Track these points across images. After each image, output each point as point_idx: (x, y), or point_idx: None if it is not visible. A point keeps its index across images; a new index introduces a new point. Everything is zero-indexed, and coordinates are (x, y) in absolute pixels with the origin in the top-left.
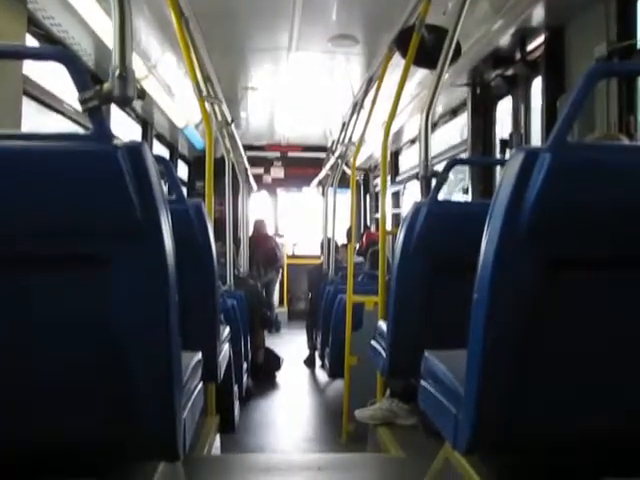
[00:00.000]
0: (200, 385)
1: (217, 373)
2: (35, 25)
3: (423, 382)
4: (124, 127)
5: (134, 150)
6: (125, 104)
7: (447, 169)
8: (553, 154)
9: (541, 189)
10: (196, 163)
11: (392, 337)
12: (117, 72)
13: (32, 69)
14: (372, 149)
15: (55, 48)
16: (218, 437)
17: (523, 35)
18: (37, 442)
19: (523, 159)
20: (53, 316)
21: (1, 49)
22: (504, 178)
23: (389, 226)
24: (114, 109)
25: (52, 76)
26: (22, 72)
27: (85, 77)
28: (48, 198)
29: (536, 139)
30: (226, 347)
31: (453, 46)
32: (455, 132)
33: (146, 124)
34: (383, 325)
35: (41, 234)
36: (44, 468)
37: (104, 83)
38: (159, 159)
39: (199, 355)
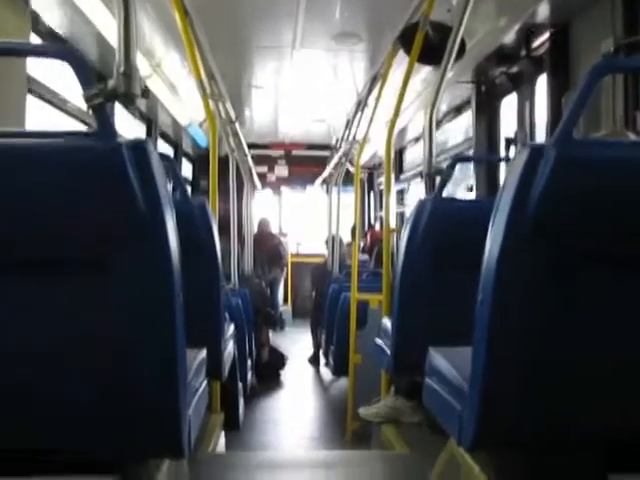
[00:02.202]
0: (205, 382)
1: (222, 370)
2: (39, 23)
3: (427, 379)
4: (128, 126)
5: (138, 147)
6: (130, 102)
7: (451, 166)
8: (558, 150)
9: (546, 185)
10: (200, 161)
11: (396, 335)
12: (122, 69)
13: (36, 67)
14: (376, 147)
15: (59, 46)
16: (223, 435)
17: (528, 32)
18: (40, 440)
19: (528, 155)
20: (58, 315)
21: (6, 47)
22: (509, 175)
23: (393, 224)
24: (119, 108)
25: (57, 74)
26: (26, 70)
27: (89, 75)
28: (52, 196)
29: (541, 136)
30: (230, 345)
31: (458, 43)
32: (460, 130)
33: (150, 122)
34: (387, 323)
35: (45, 233)
36: (48, 466)
37: (108, 81)
38: (163, 157)
39: (204, 352)
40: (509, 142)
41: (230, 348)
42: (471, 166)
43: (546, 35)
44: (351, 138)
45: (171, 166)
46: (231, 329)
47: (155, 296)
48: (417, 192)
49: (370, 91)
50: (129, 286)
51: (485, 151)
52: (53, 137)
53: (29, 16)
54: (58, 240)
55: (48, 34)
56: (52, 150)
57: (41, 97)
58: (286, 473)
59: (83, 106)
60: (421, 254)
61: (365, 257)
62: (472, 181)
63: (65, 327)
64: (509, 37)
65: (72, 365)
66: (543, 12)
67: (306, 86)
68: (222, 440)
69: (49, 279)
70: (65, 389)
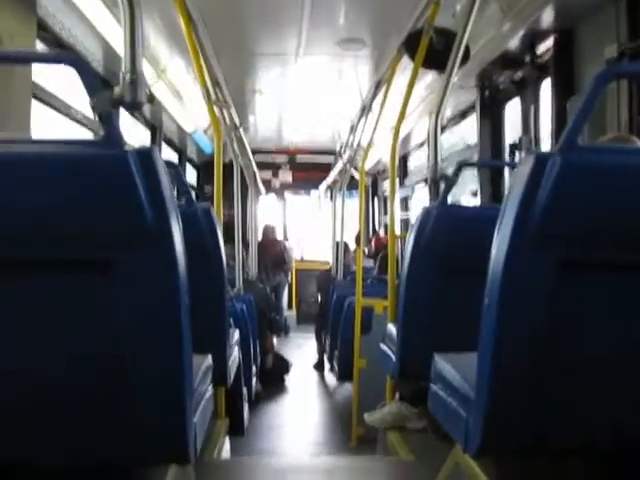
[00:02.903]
0: (210, 389)
1: (227, 377)
2: (44, 30)
3: (433, 385)
4: (133, 131)
5: (145, 155)
6: (136, 109)
7: (456, 172)
8: (563, 157)
9: (551, 192)
10: (205, 167)
11: (402, 340)
12: (128, 77)
13: (41, 74)
14: (381, 153)
15: (66, 53)
16: (227, 440)
17: (532, 37)
18: (48, 445)
19: (534, 163)
20: (64, 320)
21: (14, 54)
22: (515, 182)
23: (398, 230)
24: (123, 114)
25: (62, 81)
26: (31, 77)
27: (96, 82)
28: (60, 204)
29: (546, 142)
30: (236, 351)
31: (462, 48)
32: (464, 135)
33: (155, 129)
34: (392, 328)
35: (52, 240)
36: (55, 472)
37: (114, 88)
38: (168, 164)
39: (209, 359)
40: (514, 147)
41: (235, 354)
42: (475, 171)
43: (550, 41)
44: (355, 144)
45: (176, 172)
46: (236, 335)
47: (162, 302)
48: (422, 198)
49: (374, 96)
50: (136, 292)
51: (489, 156)
52: (61, 145)
53: (35, 23)
54: (65, 245)
55: (53, 41)
56: (59, 158)
57: (46, 104)
58: (291, 479)
59: (88, 113)
60: (426, 260)
61: (371, 263)
62: (476, 186)
63: (71, 332)
64: (513, 42)
65: (77, 370)
66: (547, 18)
67: (310, 92)
68: (227, 446)
69: (55, 284)
70: (69, 394)
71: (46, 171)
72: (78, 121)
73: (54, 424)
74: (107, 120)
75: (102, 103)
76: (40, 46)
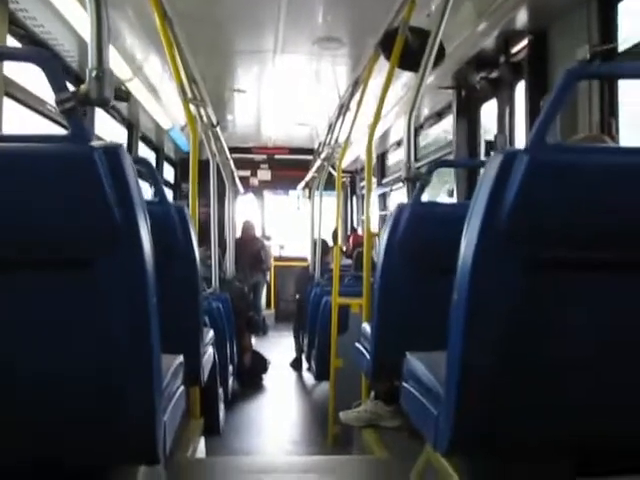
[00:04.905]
0: (181, 388)
1: (200, 376)
2: (17, 26)
3: (405, 384)
4: (112, 129)
5: (111, 152)
6: (102, 105)
7: (430, 171)
8: (531, 155)
9: (519, 190)
10: (183, 165)
11: (376, 339)
12: (94, 73)
13: (15, 71)
14: (359, 151)
15: (30, 49)
16: (202, 440)
17: (507, 38)
18: (13, 447)
19: (502, 160)
20: (30, 321)
21: None
22: (483, 180)
23: (375, 228)
24: (101, 111)
25: (36, 77)
26: (2, 73)
27: (61, 78)
28: (24, 200)
29: (521, 141)
30: (210, 350)
31: (436, 48)
32: (442, 134)
33: (131, 126)
34: (367, 327)
35: (16, 237)
36: (21, 473)
37: (82, 84)
38: (141, 161)
39: (180, 358)
40: (490, 146)
41: (210, 353)
42: (452, 170)
43: (525, 41)
44: (333, 142)
45: (150, 170)
46: (210, 334)
47: (129, 302)
48: (399, 196)
49: (352, 95)
50: (102, 291)
51: (466, 155)
52: (26, 141)
53: (6, 18)
54: (34, 244)
55: (25, 36)
56: (26, 154)
57: (18, 100)
58: (267, 478)
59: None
60: (399, 258)
61: (350, 261)
62: (452, 185)
63: (36, 332)
64: (488, 43)
65: (44, 370)
66: (522, 18)
67: (289, 90)
68: (202, 446)
69: (20, 282)
70: (36, 394)
71: (10, 168)
72: (52, 118)
73: (21, 422)
74: (73, 116)
75: (67, 100)
76: (12, 42)
